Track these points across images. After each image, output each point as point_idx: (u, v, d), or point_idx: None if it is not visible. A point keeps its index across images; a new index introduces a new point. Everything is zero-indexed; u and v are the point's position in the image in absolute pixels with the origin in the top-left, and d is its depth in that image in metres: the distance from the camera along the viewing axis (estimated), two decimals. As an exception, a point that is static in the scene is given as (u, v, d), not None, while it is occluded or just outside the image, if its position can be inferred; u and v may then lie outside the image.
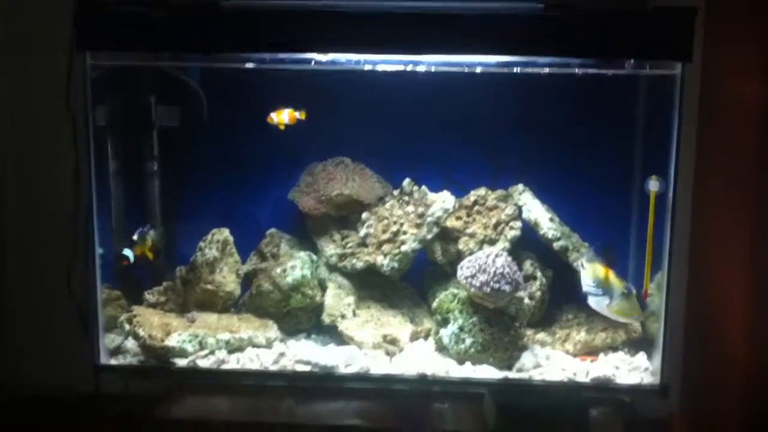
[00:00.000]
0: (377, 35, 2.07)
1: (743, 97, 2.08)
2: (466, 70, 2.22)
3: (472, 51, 2.11)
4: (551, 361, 2.29)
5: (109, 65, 2.25)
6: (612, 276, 2.17)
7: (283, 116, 2.33)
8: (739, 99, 2.11)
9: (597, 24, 2.04)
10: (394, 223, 2.44)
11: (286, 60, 2.19)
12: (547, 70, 2.20)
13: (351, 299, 2.42)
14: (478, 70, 2.22)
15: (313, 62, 2.19)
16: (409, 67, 2.23)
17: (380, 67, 2.24)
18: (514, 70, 2.19)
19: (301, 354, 2.28)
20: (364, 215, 2.46)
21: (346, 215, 2.52)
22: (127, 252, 2.34)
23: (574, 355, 2.34)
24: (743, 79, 2.08)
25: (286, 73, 2.24)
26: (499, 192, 2.47)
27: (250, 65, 2.22)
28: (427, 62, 2.22)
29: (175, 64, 2.39)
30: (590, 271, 2.18)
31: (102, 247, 2.27)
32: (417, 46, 2.10)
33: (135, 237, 2.34)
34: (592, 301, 2.19)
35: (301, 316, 2.44)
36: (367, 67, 2.23)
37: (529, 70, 2.19)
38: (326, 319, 2.37)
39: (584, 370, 2.25)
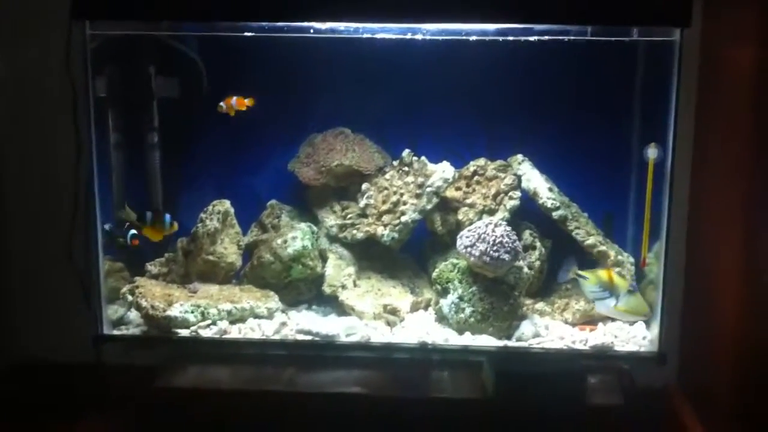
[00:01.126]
0: (376, 2, 2.07)
1: (742, 63, 2.08)
2: (465, 37, 2.22)
3: (469, 18, 2.11)
4: (550, 330, 2.31)
5: (109, 35, 2.25)
6: (615, 276, 2.23)
7: (232, 102, 2.33)
8: (738, 65, 2.11)
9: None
10: (394, 193, 2.44)
11: (285, 28, 2.19)
12: (545, 37, 2.19)
13: (351, 270, 2.43)
14: (475, 38, 2.22)
15: (311, 30, 2.19)
16: (408, 35, 2.23)
17: (379, 36, 2.24)
18: (512, 38, 2.18)
19: (303, 324, 2.29)
20: (364, 186, 2.47)
21: (346, 186, 2.53)
22: (134, 232, 2.36)
23: (573, 325, 2.35)
24: (742, 45, 2.08)
25: (285, 43, 2.24)
26: (499, 162, 2.47)
27: (248, 34, 2.22)
28: (424, 30, 2.22)
29: (174, 33, 2.38)
30: (592, 278, 2.23)
31: (104, 220, 2.28)
32: (414, 13, 2.09)
33: (147, 220, 2.34)
34: (601, 306, 2.25)
35: (302, 287, 2.45)
36: (366, 36, 2.23)
37: (527, 38, 2.19)
38: (327, 289, 2.38)
39: (583, 339, 2.26)
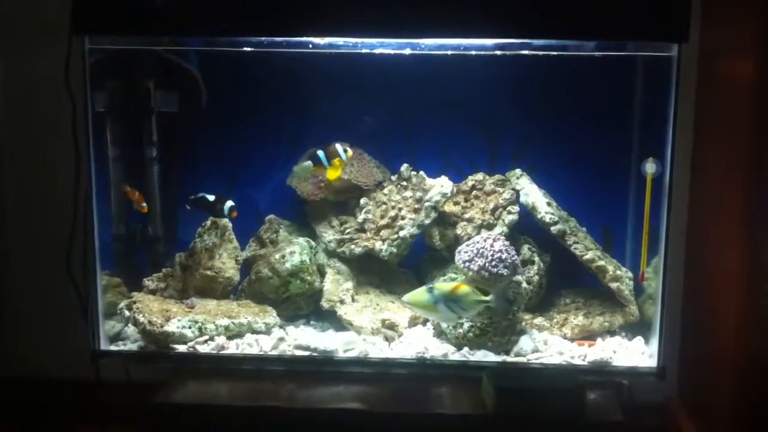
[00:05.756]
0: (375, 18, 2.07)
1: (740, 77, 2.09)
2: (464, 52, 2.23)
3: (469, 34, 2.12)
4: (549, 345, 2.30)
5: (108, 49, 2.26)
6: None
7: (136, 197, 2.38)
8: (736, 79, 2.12)
9: (592, 5, 2.04)
10: (393, 208, 2.44)
11: (284, 44, 2.20)
12: (544, 52, 2.20)
13: (350, 284, 2.42)
14: (474, 53, 2.23)
15: (310, 46, 2.20)
16: (407, 51, 2.24)
17: (377, 51, 2.24)
18: (510, 52, 2.19)
19: (301, 339, 2.29)
20: (363, 201, 2.47)
21: (344, 201, 2.53)
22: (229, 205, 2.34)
23: (572, 340, 2.34)
24: (740, 58, 2.09)
25: (284, 57, 2.24)
26: (497, 177, 2.48)
27: (247, 49, 2.22)
28: (422, 45, 2.22)
29: (173, 48, 2.39)
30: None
31: (102, 234, 2.28)
32: (412, 29, 2.10)
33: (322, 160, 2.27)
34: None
35: (300, 302, 2.45)
36: (365, 51, 2.24)
37: (525, 52, 2.19)
38: (325, 304, 2.38)
39: (582, 354, 2.26)
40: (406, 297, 2.21)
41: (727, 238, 2.15)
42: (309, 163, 2.28)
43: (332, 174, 2.30)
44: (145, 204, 2.39)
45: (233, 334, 2.30)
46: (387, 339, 2.32)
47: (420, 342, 2.30)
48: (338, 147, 2.25)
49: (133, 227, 2.45)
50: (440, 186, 2.41)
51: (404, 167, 2.47)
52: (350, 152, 2.28)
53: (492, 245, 2.23)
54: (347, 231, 2.48)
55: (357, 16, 2.07)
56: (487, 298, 2.18)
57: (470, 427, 2.08)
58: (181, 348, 2.24)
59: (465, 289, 2.16)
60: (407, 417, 2.11)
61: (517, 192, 2.42)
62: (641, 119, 2.36)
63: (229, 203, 2.33)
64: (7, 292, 2.57)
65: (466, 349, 2.25)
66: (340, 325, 2.36)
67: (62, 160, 2.29)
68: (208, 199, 2.33)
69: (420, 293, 2.19)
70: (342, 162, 2.26)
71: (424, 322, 2.43)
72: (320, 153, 2.25)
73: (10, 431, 2.48)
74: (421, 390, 2.21)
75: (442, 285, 2.19)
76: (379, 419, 2.10)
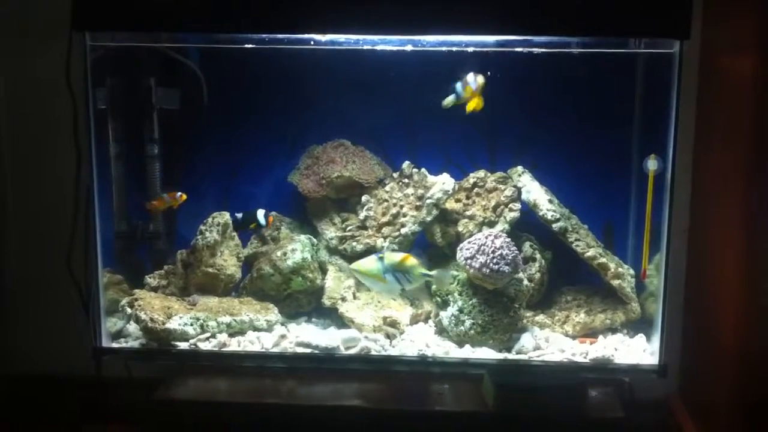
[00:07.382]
0: (376, 15, 2.07)
1: (741, 74, 2.08)
2: (464, 49, 2.23)
3: (471, 31, 2.12)
4: (550, 342, 2.30)
5: (109, 46, 2.25)
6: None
7: (166, 200, 2.42)
8: (738, 77, 2.11)
9: (594, 2, 2.03)
10: (394, 205, 2.45)
11: (285, 40, 2.20)
12: (544, 49, 2.20)
13: (351, 282, 2.43)
14: (475, 50, 2.22)
15: (312, 42, 2.20)
16: (408, 47, 2.24)
17: (379, 47, 2.24)
18: (511, 49, 2.19)
19: (302, 336, 2.29)
20: (364, 198, 2.47)
21: (346, 198, 2.53)
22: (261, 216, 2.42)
23: (574, 337, 2.34)
24: (742, 55, 2.08)
25: (285, 54, 2.24)
26: (498, 174, 2.47)
27: (249, 46, 2.22)
28: (424, 42, 2.22)
29: (174, 45, 2.39)
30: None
31: (104, 232, 2.28)
32: (413, 25, 2.10)
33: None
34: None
35: (302, 299, 2.45)
36: (366, 47, 2.24)
37: (526, 49, 2.19)
38: (327, 301, 2.38)
39: (583, 351, 2.26)
40: (355, 264, 2.24)
41: (728, 235, 2.15)
42: (452, 96, 2.26)
43: (473, 104, 2.24)
44: (180, 193, 2.43)
45: (235, 331, 2.31)
46: (388, 336, 2.32)
47: (421, 339, 2.30)
48: (470, 77, 2.23)
49: (135, 224, 2.45)
50: (442, 183, 2.41)
51: (406, 164, 2.47)
52: (481, 80, 2.22)
53: (493, 242, 2.22)
54: (349, 228, 2.48)
55: (359, 12, 2.07)
56: (431, 273, 2.22)
57: (471, 425, 2.08)
58: (183, 345, 2.24)
59: (412, 261, 2.21)
60: (408, 414, 2.11)
61: (519, 189, 2.42)
62: (643, 116, 2.36)
63: (261, 212, 2.43)
64: (9, 289, 2.57)
65: (467, 346, 2.26)
66: (341, 322, 2.36)
67: (63, 157, 2.29)
68: (237, 218, 2.44)
69: (370, 261, 2.22)
70: (473, 91, 2.23)
71: (426, 319, 2.43)
72: (458, 85, 2.24)
73: (11, 429, 2.48)
74: (422, 387, 2.21)
75: (392, 255, 2.22)
76: (380, 416, 2.10)
